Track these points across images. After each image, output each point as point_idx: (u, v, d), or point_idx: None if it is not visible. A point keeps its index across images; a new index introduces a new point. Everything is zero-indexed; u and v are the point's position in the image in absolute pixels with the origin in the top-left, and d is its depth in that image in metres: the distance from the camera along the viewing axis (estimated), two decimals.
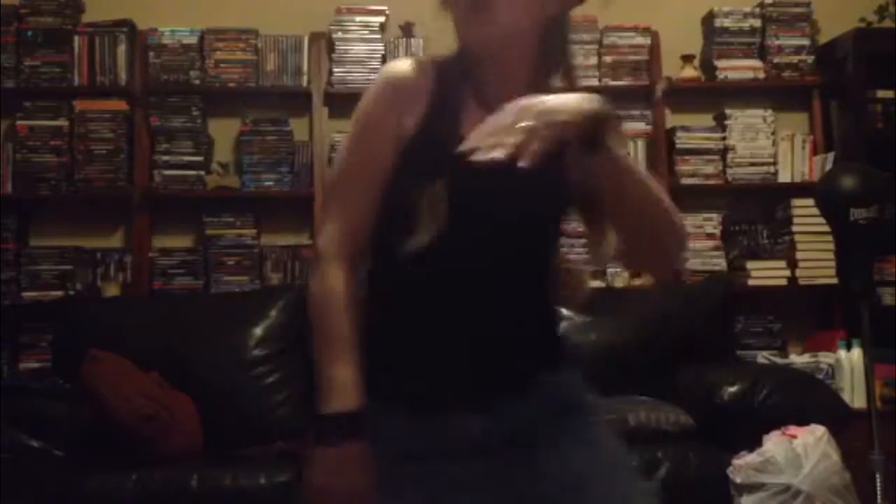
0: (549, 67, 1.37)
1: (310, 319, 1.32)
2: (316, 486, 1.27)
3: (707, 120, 4.25)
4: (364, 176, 1.34)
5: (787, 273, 4.03)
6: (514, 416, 1.31)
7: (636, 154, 4.10)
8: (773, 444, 2.83)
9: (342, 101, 3.85)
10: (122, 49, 3.96)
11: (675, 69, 4.14)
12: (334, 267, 1.32)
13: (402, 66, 1.37)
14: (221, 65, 3.99)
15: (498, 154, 1.08)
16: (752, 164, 4.14)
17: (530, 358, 1.35)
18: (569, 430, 1.34)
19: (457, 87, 1.35)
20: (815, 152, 4.16)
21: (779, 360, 3.86)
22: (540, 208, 1.35)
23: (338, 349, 1.28)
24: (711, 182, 4.13)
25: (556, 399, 1.35)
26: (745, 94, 4.23)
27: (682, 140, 4.12)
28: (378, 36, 4.02)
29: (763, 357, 3.92)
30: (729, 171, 4.12)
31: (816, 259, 4.01)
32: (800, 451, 2.79)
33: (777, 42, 4.19)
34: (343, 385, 1.26)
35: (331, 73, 4.00)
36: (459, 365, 1.31)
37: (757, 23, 4.19)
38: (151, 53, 3.98)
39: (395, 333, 1.35)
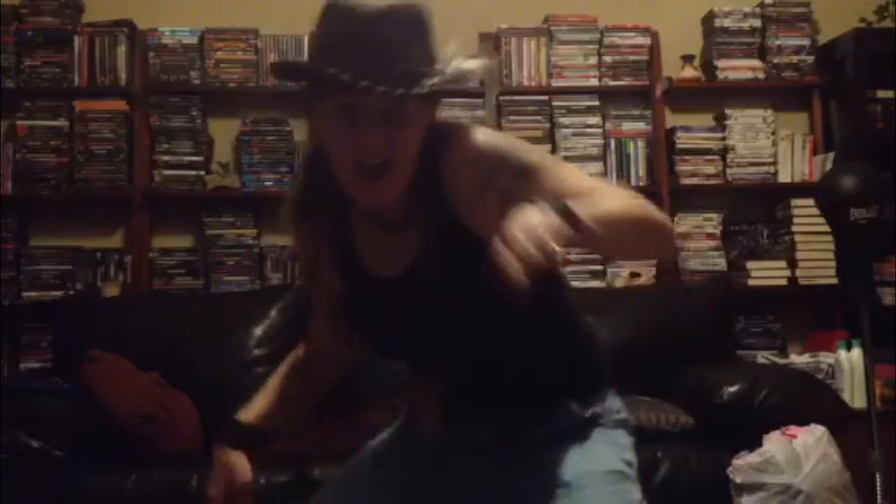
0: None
1: None
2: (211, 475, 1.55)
3: (707, 120, 4.25)
4: (317, 293, 1.54)
5: (787, 273, 4.03)
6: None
7: (636, 154, 4.11)
8: (773, 444, 2.83)
9: None
10: (122, 49, 3.96)
11: (675, 69, 4.14)
12: (301, 346, 1.66)
13: (287, 213, 1.46)
14: (221, 65, 3.99)
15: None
16: (752, 164, 4.14)
17: (517, 408, 1.43)
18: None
19: (340, 203, 1.38)
20: (815, 152, 4.16)
21: (779, 360, 3.86)
22: (475, 311, 1.33)
23: (268, 387, 1.63)
24: (711, 182, 4.13)
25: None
26: (745, 94, 4.23)
27: (682, 140, 4.12)
28: None
29: (763, 357, 3.92)
30: (729, 171, 4.13)
31: (816, 259, 4.01)
32: (800, 451, 2.79)
33: (777, 42, 4.19)
34: (254, 406, 1.60)
35: None
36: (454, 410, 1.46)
37: (757, 23, 4.19)
38: (151, 53, 3.98)
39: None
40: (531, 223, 1.05)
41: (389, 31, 1.22)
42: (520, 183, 1.27)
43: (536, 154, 1.34)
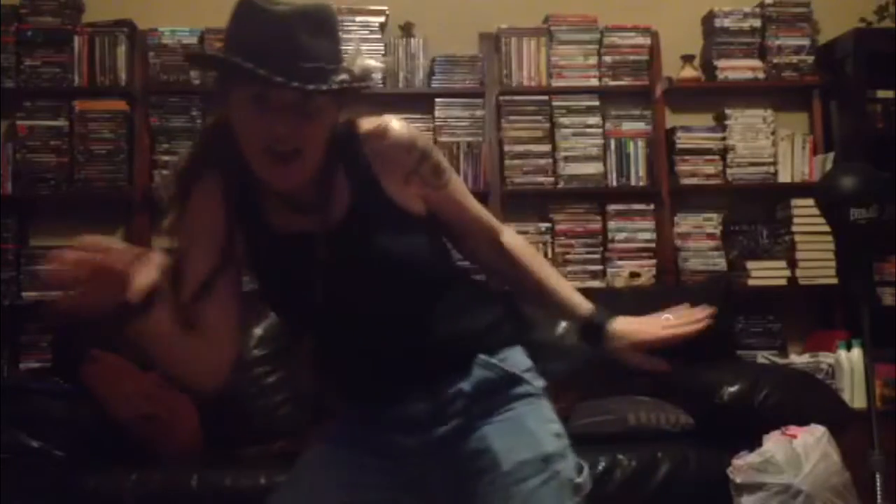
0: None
1: None
2: None
3: (707, 120, 4.25)
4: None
5: (787, 273, 4.03)
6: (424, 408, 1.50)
7: (636, 154, 4.11)
8: (773, 444, 2.83)
9: None
10: (122, 49, 3.96)
11: (675, 69, 4.14)
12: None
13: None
14: None
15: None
16: (752, 164, 4.14)
17: (433, 366, 1.50)
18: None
19: (246, 178, 1.44)
20: (815, 152, 4.16)
21: (779, 360, 3.86)
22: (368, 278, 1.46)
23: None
24: (711, 182, 4.13)
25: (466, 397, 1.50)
26: (745, 94, 4.23)
27: (682, 140, 4.13)
28: (378, 36, 4.02)
29: (763, 357, 3.92)
30: (729, 171, 4.13)
31: (816, 259, 4.01)
32: (800, 451, 2.79)
33: (777, 42, 4.19)
34: None
35: None
36: (370, 380, 1.54)
37: (757, 23, 4.19)
38: (151, 53, 3.98)
39: (326, 366, 1.63)
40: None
41: (301, 31, 1.33)
42: (435, 179, 1.50)
43: (445, 160, 1.54)
